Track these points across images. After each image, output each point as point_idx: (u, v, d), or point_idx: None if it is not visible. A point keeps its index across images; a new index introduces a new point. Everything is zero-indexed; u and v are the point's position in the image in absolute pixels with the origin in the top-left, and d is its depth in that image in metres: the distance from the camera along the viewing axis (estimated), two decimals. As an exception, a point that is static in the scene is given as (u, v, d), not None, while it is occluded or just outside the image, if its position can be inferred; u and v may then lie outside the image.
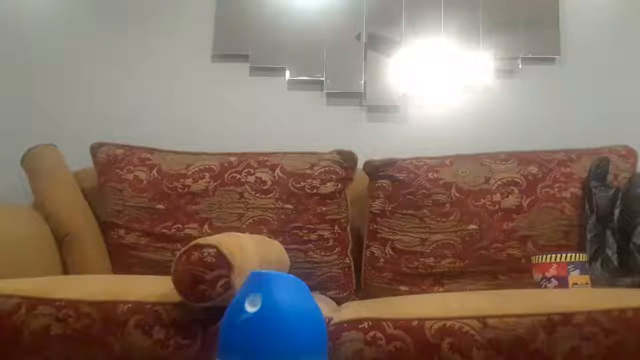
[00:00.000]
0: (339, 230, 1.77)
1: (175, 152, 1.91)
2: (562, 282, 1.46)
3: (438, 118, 2.14)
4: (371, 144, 2.07)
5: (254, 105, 2.18)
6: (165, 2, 2.24)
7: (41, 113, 2.17)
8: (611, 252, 1.59)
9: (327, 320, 1.16)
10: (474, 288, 1.70)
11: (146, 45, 2.21)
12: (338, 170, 1.80)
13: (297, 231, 1.74)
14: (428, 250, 1.74)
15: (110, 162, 1.88)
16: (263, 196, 1.77)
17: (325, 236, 1.75)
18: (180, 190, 1.79)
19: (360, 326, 1.14)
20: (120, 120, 2.16)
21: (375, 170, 1.84)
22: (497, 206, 1.73)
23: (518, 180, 1.76)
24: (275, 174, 1.80)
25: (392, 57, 2.16)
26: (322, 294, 1.71)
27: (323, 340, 1.02)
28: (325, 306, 1.35)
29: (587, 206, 1.68)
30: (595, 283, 1.50)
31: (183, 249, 1.14)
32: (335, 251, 1.75)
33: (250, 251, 1.25)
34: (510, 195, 1.74)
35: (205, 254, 1.11)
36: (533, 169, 1.77)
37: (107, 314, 1.16)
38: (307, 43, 2.17)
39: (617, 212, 1.63)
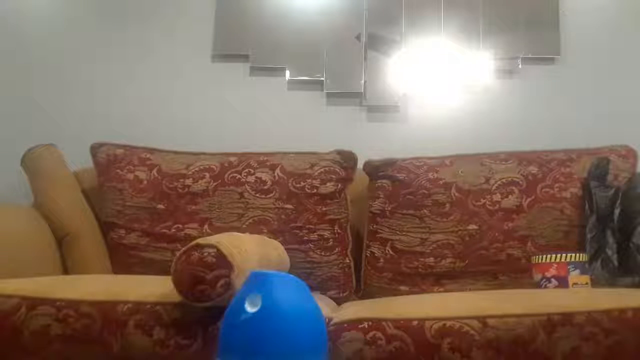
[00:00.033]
0: (339, 230, 1.77)
1: (175, 152, 1.91)
2: (562, 282, 1.46)
3: (438, 118, 2.14)
4: (371, 144, 2.07)
5: (254, 105, 2.18)
6: (165, 2, 2.24)
7: (41, 113, 2.17)
8: (611, 252, 1.59)
9: (327, 320, 1.16)
10: (474, 288, 1.70)
11: (146, 45, 2.21)
12: (338, 170, 1.80)
13: (297, 231, 1.74)
14: (428, 250, 1.73)
15: (110, 162, 1.88)
16: (263, 196, 1.77)
17: (325, 236, 1.75)
18: (180, 190, 1.79)
19: (360, 326, 1.14)
20: (120, 120, 2.16)
21: (375, 170, 1.84)
22: (497, 206, 1.73)
23: (518, 180, 1.76)
24: (275, 174, 1.80)
25: (392, 57, 2.16)
26: (322, 294, 1.71)
27: (323, 340, 1.02)
28: (325, 306, 1.35)
29: (587, 206, 1.68)
30: (595, 283, 1.50)
31: (183, 249, 1.14)
32: (335, 251, 1.75)
33: (250, 251, 1.25)
34: (510, 195, 1.74)
35: (205, 254, 1.11)
36: (533, 169, 1.77)
37: (107, 314, 1.17)
38: (307, 43, 2.17)
39: (617, 212, 1.63)
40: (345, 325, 1.15)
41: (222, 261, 1.11)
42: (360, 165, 1.86)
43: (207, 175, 1.81)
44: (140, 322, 1.16)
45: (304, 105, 2.17)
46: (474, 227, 1.72)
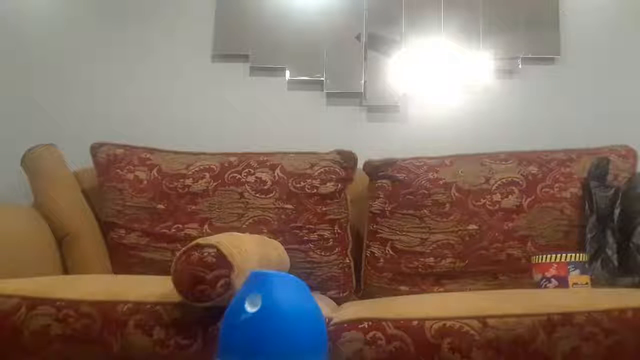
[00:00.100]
0: (339, 230, 1.77)
1: (175, 152, 1.91)
2: (562, 282, 1.46)
3: (438, 118, 2.14)
4: (371, 144, 2.07)
5: (254, 105, 2.18)
6: (165, 2, 2.24)
7: (41, 113, 2.17)
8: (611, 252, 1.59)
9: (327, 320, 1.16)
10: (474, 288, 1.70)
11: (146, 45, 2.21)
12: (338, 170, 1.80)
13: (297, 231, 1.74)
14: (428, 250, 1.73)
15: (110, 162, 1.88)
16: (263, 196, 1.77)
17: (325, 236, 1.75)
18: (180, 190, 1.79)
19: (360, 326, 1.14)
20: (120, 120, 2.16)
21: (375, 170, 1.84)
22: (497, 206, 1.73)
23: (518, 180, 1.76)
24: (275, 174, 1.80)
25: (392, 57, 2.16)
26: (322, 294, 1.71)
27: (323, 340, 1.02)
28: (325, 306, 1.35)
29: (587, 206, 1.68)
30: (595, 283, 1.50)
31: (183, 249, 1.14)
32: (335, 251, 1.75)
33: (250, 251, 1.25)
34: (510, 195, 1.74)
35: (205, 254, 1.11)
36: (533, 169, 1.77)
37: (107, 314, 1.17)
38: (307, 43, 2.17)
39: (617, 212, 1.63)
40: (345, 325, 1.15)
41: (222, 261, 1.11)
42: (360, 165, 1.86)
43: (207, 175, 1.81)
44: (140, 322, 1.16)
45: (304, 105, 2.17)
46: (474, 227, 1.72)
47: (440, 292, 1.71)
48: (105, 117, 2.17)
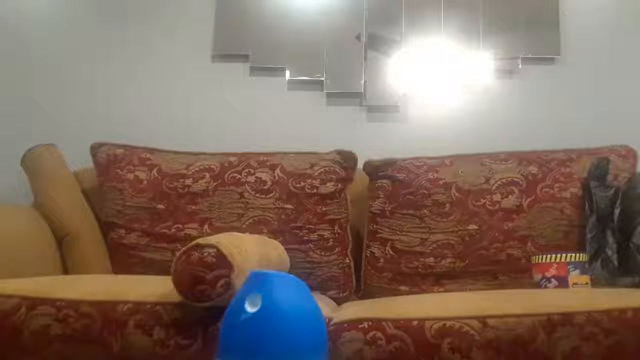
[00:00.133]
0: (339, 230, 1.77)
1: (175, 152, 1.91)
2: (562, 282, 1.46)
3: (438, 118, 2.14)
4: (371, 144, 2.07)
5: (254, 105, 2.18)
6: (165, 2, 2.24)
7: (41, 113, 2.17)
8: (611, 252, 1.59)
9: (327, 320, 1.16)
10: (474, 288, 1.70)
11: (146, 45, 2.21)
12: (338, 170, 1.80)
13: (297, 231, 1.74)
14: (428, 250, 1.73)
15: (110, 162, 1.88)
16: (263, 196, 1.77)
17: (325, 236, 1.75)
18: (180, 190, 1.79)
19: (360, 326, 1.14)
20: (120, 120, 2.16)
21: (375, 170, 1.84)
22: (497, 206, 1.73)
23: (518, 180, 1.76)
24: (275, 174, 1.80)
25: (392, 57, 2.16)
26: (322, 294, 1.71)
27: (323, 340, 1.02)
28: (325, 306, 1.35)
29: (587, 206, 1.68)
30: (595, 283, 1.50)
31: (183, 249, 1.14)
32: (335, 251, 1.75)
33: (250, 251, 1.25)
34: (510, 195, 1.74)
35: (205, 254, 1.11)
36: (533, 169, 1.77)
37: (107, 314, 1.17)
38: (307, 43, 2.17)
39: (617, 212, 1.63)
40: (345, 325, 1.15)
41: (222, 261, 1.11)
42: (360, 165, 1.86)
43: (207, 175, 1.81)
44: (140, 322, 1.16)
45: (304, 105, 2.17)
46: (474, 227, 1.72)
47: (440, 292, 1.71)
48: (105, 117, 2.17)
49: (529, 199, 1.73)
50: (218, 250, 1.12)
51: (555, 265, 1.47)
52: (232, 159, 1.85)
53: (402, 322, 1.13)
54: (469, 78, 2.15)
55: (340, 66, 2.16)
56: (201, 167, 1.83)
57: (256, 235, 1.54)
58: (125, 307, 1.17)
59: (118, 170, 1.86)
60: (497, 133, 2.10)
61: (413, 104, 2.16)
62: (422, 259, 1.73)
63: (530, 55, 2.14)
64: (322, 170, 1.79)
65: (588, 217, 1.66)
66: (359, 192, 1.87)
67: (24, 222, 1.73)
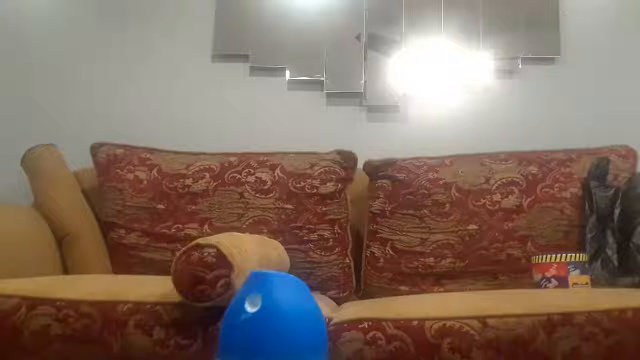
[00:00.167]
0: (339, 230, 1.77)
1: (175, 152, 1.91)
2: (562, 282, 1.46)
3: (438, 118, 2.14)
4: (371, 144, 2.07)
5: (254, 105, 2.18)
6: (165, 2, 2.24)
7: (41, 113, 2.17)
8: (611, 252, 1.59)
9: (327, 320, 1.16)
10: (474, 288, 1.70)
11: (146, 45, 2.21)
12: (338, 170, 1.80)
13: (297, 231, 1.74)
14: (428, 250, 1.73)
15: (110, 162, 1.88)
16: (263, 196, 1.77)
17: (325, 236, 1.75)
18: (180, 190, 1.79)
19: (360, 326, 1.14)
20: (120, 120, 2.16)
21: (375, 170, 1.84)
22: (497, 206, 1.73)
23: (518, 180, 1.76)
24: (275, 174, 1.80)
25: (392, 57, 2.16)
26: (322, 294, 1.71)
27: (323, 340, 1.02)
28: (325, 306, 1.35)
29: (587, 206, 1.68)
30: (595, 283, 1.50)
31: (183, 249, 1.14)
32: (335, 251, 1.75)
33: (250, 251, 1.25)
34: (510, 195, 1.74)
35: (205, 254, 1.11)
36: (533, 169, 1.77)
37: (107, 314, 1.17)
38: (307, 43, 2.17)
39: (617, 212, 1.63)
40: (345, 325, 1.15)
41: (222, 261, 1.11)
42: (360, 165, 1.86)
43: (207, 175, 1.81)
44: (140, 322, 1.16)
45: (304, 105, 2.17)
46: (474, 227, 1.72)
47: (440, 292, 1.71)
48: (105, 117, 2.17)
49: (529, 199, 1.73)
50: (218, 250, 1.12)
51: (555, 265, 1.47)
52: (232, 159, 1.85)
53: (402, 322, 1.13)
54: (469, 78, 2.15)
55: (340, 66, 2.16)
56: (201, 167, 1.83)
57: (256, 235, 1.54)
58: (125, 307, 1.17)
59: (118, 170, 1.86)
60: (497, 133, 2.10)
61: (413, 104, 2.16)
62: (422, 259, 1.73)
63: (530, 55, 2.14)
64: (322, 170, 1.79)
65: (588, 217, 1.66)
66: (359, 192, 1.87)
67: (24, 222, 1.73)
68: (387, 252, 1.76)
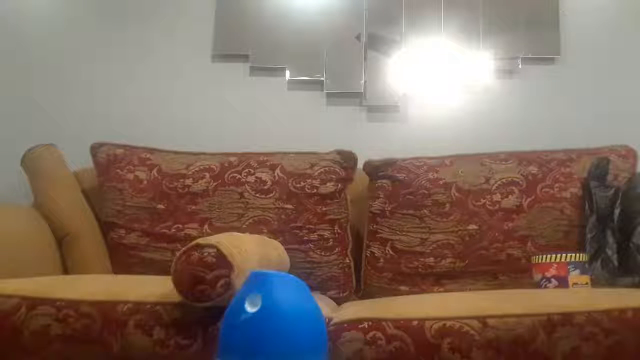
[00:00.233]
0: (339, 230, 1.77)
1: (175, 152, 1.91)
2: (562, 282, 1.46)
3: (438, 118, 2.14)
4: (371, 144, 2.07)
5: (254, 105, 2.18)
6: (165, 2, 2.24)
7: (41, 113, 2.17)
8: (611, 252, 1.59)
9: (327, 320, 1.16)
10: (474, 288, 1.70)
11: (146, 45, 2.21)
12: (338, 170, 1.80)
13: (297, 231, 1.74)
14: (428, 250, 1.73)
15: (110, 162, 1.88)
16: (263, 196, 1.77)
17: (325, 236, 1.75)
18: (180, 190, 1.79)
19: (360, 326, 1.14)
20: (120, 120, 2.16)
21: (375, 170, 1.84)
22: (497, 206, 1.73)
23: (518, 180, 1.76)
24: (275, 174, 1.80)
25: (392, 57, 2.16)
26: (322, 294, 1.71)
27: (323, 340, 1.02)
28: (325, 306, 1.35)
29: (587, 206, 1.68)
30: (595, 283, 1.50)
31: (183, 249, 1.14)
32: (335, 251, 1.75)
33: (250, 251, 1.25)
34: (510, 195, 1.74)
35: (205, 254, 1.11)
36: (533, 169, 1.77)
37: (107, 314, 1.17)
38: (307, 43, 2.17)
39: (617, 212, 1.63)
40: (345, 325, 1.15)
41: (222, 261, 1.11)
42: (360, 165, 1.86)
43: (207, 175, 1.81)
44: (140, 322, 1.16)
45: (304, 105, 2.17)
46: (474, 227, 1.72)
47: (440, 292, 1.71)
48: (105, 117, 2.17)
49: (529, 199, 1.73)
50: (218, 250, 1.12)
51: (555, 265, 1.47)
52: (232, 159, 1.85)
53: (402, 322, 1.13)
54: (469, 78, 2.15)
55: (340, 66, 2.16)
56: (201, 167, 1.83)
57: (256, 235, 1.54)
58: (125, 307, 1.17)
59: (118, 170, 1.86)
60: (497, 133, 2.10)
61: (413, 104, 2.16)
62: (422, 259, 1.73)
63: (530, 55, 2.14)
64: (322, 170, 1.79)
65: (588, 217, 1.66)
66: (359, 192, 1.87)
67: (24, 222, 1.73)
68: (387, 252, 1.76)
